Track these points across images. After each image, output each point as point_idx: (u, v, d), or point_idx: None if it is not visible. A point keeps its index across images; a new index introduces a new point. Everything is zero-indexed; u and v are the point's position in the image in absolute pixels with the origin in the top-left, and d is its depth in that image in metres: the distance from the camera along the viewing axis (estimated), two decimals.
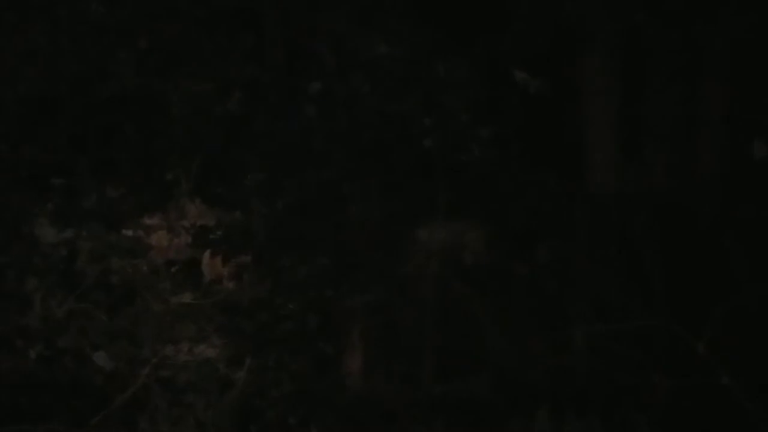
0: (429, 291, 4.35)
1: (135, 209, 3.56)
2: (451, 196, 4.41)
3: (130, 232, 3.49)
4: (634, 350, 3.96)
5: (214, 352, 3.53)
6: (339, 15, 4.28)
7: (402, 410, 4.22)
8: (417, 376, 4.31)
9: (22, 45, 3.73)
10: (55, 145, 3.68)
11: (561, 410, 4.02)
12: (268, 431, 3.70)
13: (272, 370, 3.77)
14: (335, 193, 4.25)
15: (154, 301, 3.51)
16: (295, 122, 4.14)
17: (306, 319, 3.97)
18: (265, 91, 4.19)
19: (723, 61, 4.45)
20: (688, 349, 3.88)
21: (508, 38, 4.49)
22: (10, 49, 3.70)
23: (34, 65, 3.72)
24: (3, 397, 3.46)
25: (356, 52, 4.31)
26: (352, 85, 4.28)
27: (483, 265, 4.36)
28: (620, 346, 3.99)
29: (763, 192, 4.34)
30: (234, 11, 4.21)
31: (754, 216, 4.30)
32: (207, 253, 3.56)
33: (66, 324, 3.41)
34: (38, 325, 3.38)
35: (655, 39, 4.49)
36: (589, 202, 4.45)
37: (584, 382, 4.08)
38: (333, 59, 4.27)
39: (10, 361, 3.40)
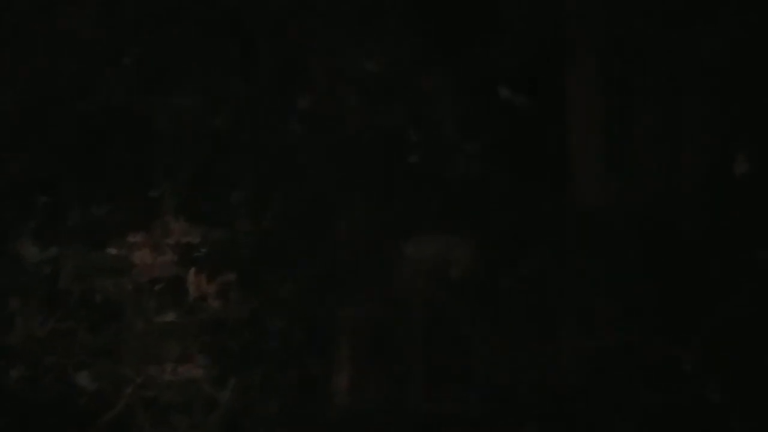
0: (417, 305, 4.34)
1: (119, 227, 3.53)
2: (439, 210, 4.41)
3: (114, 251, 3.46)
4: (620, 365, 3.97)
5: (199, 372, 3.50)
6: (327, 30, 4.29)
7: (390, 427, 4.20)
8: (405, 392, 4.30)
9: (5, 62, 3.70)
10: (39, 162, 3.65)
11: (550, 425, 4.01)
12: None
13: (258, 388, 3.74)
14: (321, 208, 4.24)
15: (138, 319, 3.47)
16: (282, 138, 4.14)
17: (292, 336, 3.95)
18: (252, 106, 4.18)
19: (706, 75, 4.48)
20: (675, 363, 3.88)
21: (494, 52, 4.51)
22: None
23: (16, 82, 3.69)
24: None
25: (344, 68, 4.31)
26: (339, 100, 4.29)
27: (471, 278, 4.36)
28: (607, 360, 3.99)
29: (747, 205, 4.37)
30: (221, 26, 4.20)
31: (737, 229, 4.33)
32: (192, 271, 3.54)
33: (49, 343, 3.37)
34: (20, 344, 3.34)
35: (639, 53, 4.53)
36: (575, 215, 4.46)
37: (573, 396, 4.08)
38: (321, 74, 4.27)
39: None
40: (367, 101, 4.31)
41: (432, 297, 4.34)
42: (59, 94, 3.78)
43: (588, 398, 4.02)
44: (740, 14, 4.32)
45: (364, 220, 4.30)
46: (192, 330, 3.52)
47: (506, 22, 4.54)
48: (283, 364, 3.93)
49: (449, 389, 4.25)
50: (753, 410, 3.80)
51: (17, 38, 3.73)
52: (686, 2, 4.37)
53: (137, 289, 3.48)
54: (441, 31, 4.50)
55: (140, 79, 3.92)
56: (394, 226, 4.34)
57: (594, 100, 4.52)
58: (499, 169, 4.43)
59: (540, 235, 4.37)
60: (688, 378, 3.86)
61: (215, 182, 4.01)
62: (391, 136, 4.39)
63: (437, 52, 4.42)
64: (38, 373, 3.40)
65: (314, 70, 4.27)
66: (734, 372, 3.91)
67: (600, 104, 4.52)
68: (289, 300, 3.93)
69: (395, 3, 4.46)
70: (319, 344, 4.13)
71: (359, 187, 4.25)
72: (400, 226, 4.36)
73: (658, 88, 4.46)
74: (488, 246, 4.34)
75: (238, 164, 4.07)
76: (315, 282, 4.10)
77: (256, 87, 4.19)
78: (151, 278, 3.50)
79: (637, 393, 3.91)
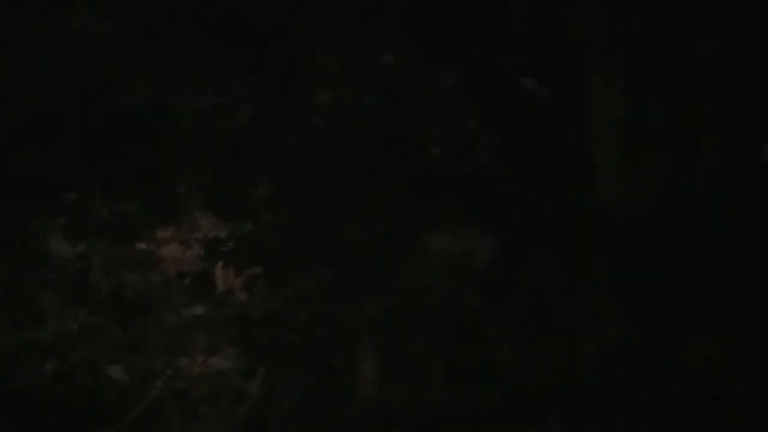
0: (438, 300, 4.36)
1: (147, 222, 3.58)
2: (458, 204, 4.43)
3: (142, 245, 3.50)
4: (636, 360, 3.97)
5: (228, 364, 3.54)
6: (343, 27, 4.32)
7: (411, 420, 4.22)
8: (427, 386, 4.32)
9: (31, 60, 3.75)
10: (66, 160, 3.70)
11: (573, 418, 4.02)
12: None
13: (283, 381, 3.77)
14: (342, 204, 4.27)
15: (167, 313, 3.51)
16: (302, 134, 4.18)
17: (315, 331, 3.98)
18: (272, 103, 4.22)
19: (723, 66, 4.49)
20: (697, 357, 3.88)
21: (511, 46, 4.53)
22: (18, 65, 3.73)
23: (43, 81, 3.75)
24: (18, 412, 3.46)
25: (361, 64, 4.34)
26: (358, 96, 4.32)
27: (491, 272, 4.37)
28: (623, 355, 4.00)
29: (764, 199, 4.36)
30: (240, 24, 4.24)
31: (755, 223, 4.33)
32: (219, 265, 3.58)
33: (79, 338, 3.42)
34: (52, 339, 3.38)
35: (656, 47, 4.53)
36: (595, 208, 4.47)
37: (593, 390, 4.09)
38: (339, 71, 4.30)
39: (25, 376, 3.40)
40: (385, 97, 4.34)
41: (453, 291, 4.36)
42: (85, 93, 3.83)
43: (606, 394, 4.03)
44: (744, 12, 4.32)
45: (384, 214, 4.33)
46: (220, 323, 3.56)
47: (522, 16, 4.55)
48: (307, 357, 3.97)
49: (470, 384, 4.27)
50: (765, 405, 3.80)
51: (42, 38, 3.79)
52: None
53: (166, 283, 3.52)
54: (457, 26, 4.52)
55: (163, 78, 3.97)
56: (414, 220, 4.37)
57: (614, 96, 4.53)
58: (519, 163, 4.45)
59: (559, 230, 4.38)
60: (705, 373, 3.86)
61: (240, 177, 4.05)
62: (410, 131, 4.41)
63: (454, 46, 4.45)
64: (70, 368, 3.44)
65: (332, 67, 4.31)
66: (748, 367, 3.91)
67: (620, 100, 4.53)
68: (313, 294, 3.97)
69: (409, 1, 4.49)
70: (342, 338, 4.17)
71: (380, 181, 4.28)
72: (421, 220, 4.38)
73: (676, 84, 4.47)
74: (509, 240, 4.36)
75: (260, 160, 4.11)
76: (337, 276, 4.13)
77: (274, 84, 4.23)
78: (179, 272, 3.54)
79: (654, 388, 3.91)
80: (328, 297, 4.04)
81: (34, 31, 3.76)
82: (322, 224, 4.21)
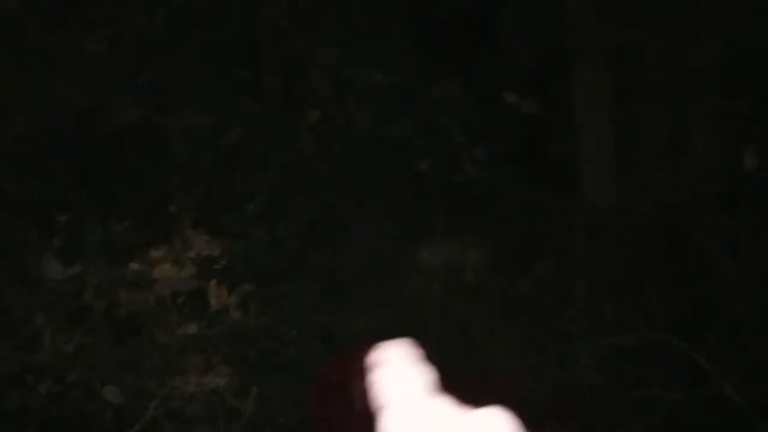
0: (431, 311, 4.38)
1: (140, 242, 3.59)
2: (450, 216, 4.46)
3: (135, 266, 3.52)
4: (635, 364, 3.98)
5: (222, 382, 3.55)
6: (334, 44, 4.36)
7: None
8: None
9: (24, 83, 3.78)
10: (59, 183, 3.72)
11: (567, 427, 4.04)
12: None
13: (278, 397, 3.78)
14: (334, 219, 4.29)
15: (161, 332, 3.53)
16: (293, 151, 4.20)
17: (309, 345, 3.99)
18: (264, 121, 4.25)
19: (712, 72, 4.52)
20: (689, 361, 3.90)
21: (500, 60, 4.57)
22: (11, 87, 3.75)
23: (37, 103, 3.77)
24: None
25: (352, 80, 4.38)
26: (349, 112, 4.35)
27: (484, 283, 4.39)
28: (621, 360, 4.01)
29: (756, 204, 4.40)
30: (231, 45, 4.27)
31: (746, 228, 4.35)
32: (212, 283, 3.59)
33: (74, 359, 3.43)
34: (47, 360, 3.39)
35: (644, 55, 4.57)
36: (586, 217, 4.50)
37: (589, 397, 4.10)
38: (329, 88, 4.33)
39: (21, 397, 3.41)
40: (376, 112, 4.37)
41: (447, 302, 4.38)
42: (78, 114, 3.85)
43: (604, 398, 4.04)
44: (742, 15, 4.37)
45: (377, 228, 4.36)
46: (213, 341, 3.58)
47: (511, 30, 4.59)
48: (302, 373, 3.98)
49: (465, 396, 4.28)
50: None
51: (35, 62, 3.81)
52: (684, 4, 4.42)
53: (159, 302, 3.53)
54: (448, 42, 4.56)
55: (154, 99, 3.99)
56: (407, 233, 4.39)
57: (601, 104, 4.57)
58: (509, 174, 4.48)
59: (551, 238, 4.40)
60: (703, 375, 3.87)
61: (231, 196, 4.07)
62: (401, 145, 4.44)
63: (445, 61, 4.48)
64: (65, 389, 3.45)
65: (322, 84, 4.34)
66: (750, 369, 3.92)
67: (607, 108, 4.57)
68: (306, 309, 3.98)
69: (401, 17, 4.52)
70: (335, 353, 4.17)
71: (372, 195, 4.30)
72: (414, 233, 4.40)
73: (664, 90, 4.51)
74: (501, 250, 4.38)
75: (252, 178, 4.13)
76: (330, 291, 4.15)
77: (265, 103, 4.26)
78: (172, 291, 3.55)
79: (651, 391, 3.93)
80: (321, 313, 4.06)
81: (30, 53, 3.79)
82: (314, 240, 4.23)
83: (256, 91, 4.26)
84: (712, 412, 3.86)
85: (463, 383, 4.42)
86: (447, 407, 0.57)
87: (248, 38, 4.29)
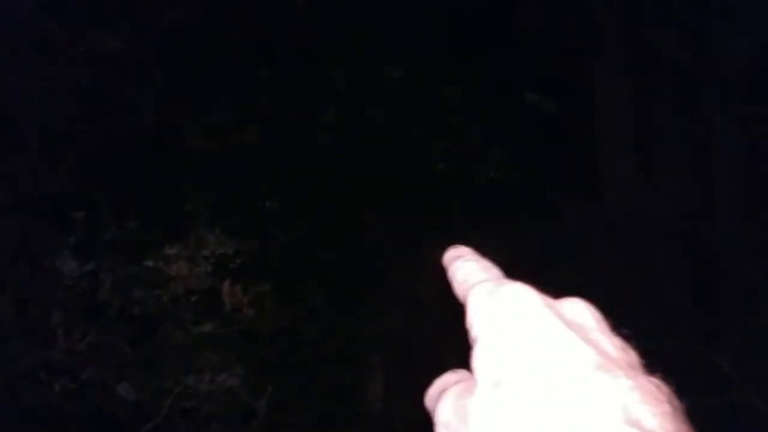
0: (447, 314, 4.34)
1: (155, 240, 3.58)
2: (467, 217, 4.42)
3: (150, 263, 3.51)
4: (655, 371, 3.92)
5: (236, 381, 3.53)
6: (352, 43, 4.34)
7: None
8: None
9: (42, 81, 3.79)
10: (75, 179, 3.72)
11: None
12: None
13: (293, 398, 3.76)
14: (351, 219, 4.27)
15: (176, 331, 3.52)
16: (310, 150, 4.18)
17: (325, 346, 3.97)
18: (281, 120, 4.23)
19: (735, 74, 4.46)
20: (713, 368, 3.84)
21: (519, 59, 4.53)
22: (29, 84, 3.76)
23: (53, 100, 3.77)
24: (28, 430, 3.47)
25: (369, 79, 4.35)
26: (366, 111, 4.32)
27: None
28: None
29: None
30: (248, 42, 4.27)
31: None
32: (227, 282, 3.58)
33: (89, 356, 3.42)
34: (62, 358, 3.39)
35: (665, 56, 4.51)
36: (605, 221, 4.44)
37: None
38: (347, 86, 4.31)
39: (35, 394, 3.41)
40: (394, 111, 4.34)
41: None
42: (95, 111, 3.86)
43: None
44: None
45: (394, 228, 4.33)
46: (228, 340, 3.56)
47: (532, 28, 4.55)
48: (317, 374, 3.95)
49: None
50: None
51: (51, 58, 3.82)
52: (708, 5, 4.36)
53: (174, 300, 3.52)
54: (466, 40, 4.53)
55: (172, 97, 3.99)
56: (423, 234, 4.36)
57: (622, 105, 4.52)
58: (527, 176, 4.43)
59: (569, 241, 4.35)
60: (726, 383, 3.81)
61: (247, 194, 4.06)
62: (418, 145, 4.41)
63: (462, 60, 4.45)
64: (79, 386, 3.44)
65: (340, 83, 4.32)
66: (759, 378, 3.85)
67: (628, 110, 4.51)
68: (322, 309, 3.96)
69: (419, 16, 4.50)
70: (351, 353, 4.15)
71: (389, 195, 4.27)
72: (430, 234, 4.37)
73: (685, 92, 4.45)
74: (518, 252, 4.34)
75: (268, 177, 4.12)
76: (346, 291, 4.12)
77: (283, 101, 4.24)
78: (187, 290, 3.54)
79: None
80: (336, 313, 4.03)
81: (47, 49, 3.80)
82: (330, 240, 4.21)
83: (273, 90, 4.25)
84: (735, 420, 3.79)
85: None
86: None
87: (265, 36, 4.28)
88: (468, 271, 0.53)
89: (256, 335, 3.65)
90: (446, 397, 0.51)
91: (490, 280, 0.51)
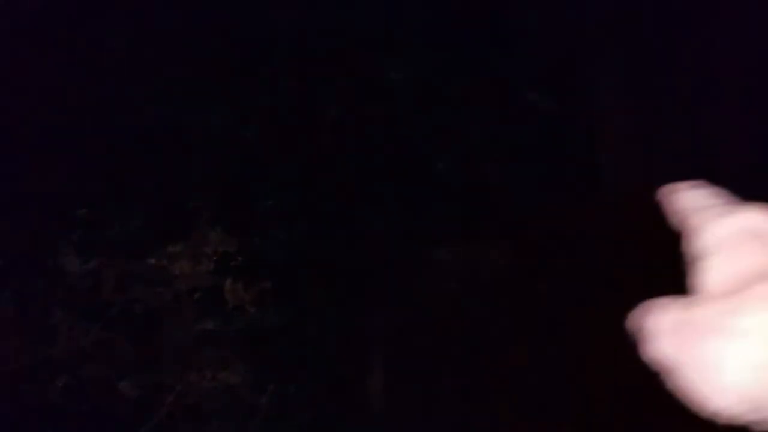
0: (448, 312, 4.35)
1: (158, 238, 3.59)
2: (467, 216, 4.43)
3: (153, 261, 3.52)
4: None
5: (238, 379, 3.55)
6: (352, 41, 4.35)
7: None
8: (438, 399, 4.31)
9: (43, 79, 3.79)
10: (78, 177, 3.73)
11: (586, 430, 3.99)
12: None
13: (294, 395, 3.77)
14: (352, 217, 4.28)
15: (178, 328, 3.53)
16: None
17: (326, 343, 3.98)
18: (282, 118, 4.24)
19: (736, 75, 4.47)
20: None
21: (519, 59, 4.54)
22: (30, 82, 3.77)
23: (55, 96, 3.78)
24: (28, 428, 3.47)
25: (370, 78, 4.36)
26: (367, 110, 4.33)
27: (501, 283, 4.36)
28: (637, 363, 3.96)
29: None
30: (249, 41, 4.27)
31: None
32: (229, 280, 3.59)
33: (91, 354, 3.43)
34: (63, 355, 3.40)
35: (665, 55, 4.52)
36: (606, 220, 4.45)
37: (609, 400, 4.06)
38: (347, 85, 4.32)
39: (36, 392, 3.41)
40: (392, 111, 4.35)
41: (462, 303, 4.35)
42: (97, 108, 3.86)
43: (619, 404, 4.00)
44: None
45: (395, 226, 4.34)
46: (230, 338, 3.57)
47: (530, 27, 4.56)
48: (318, 371, 3.96)
49: (482, 395, 4.25)
50: None
51: (53, 54, 3.82)
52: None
53: (176, 298, 3.53)
54: (465, 39, 4.54)
55: (173, 95, 4.00)
56: (425, 231, 4.37)
57: (622, 102, 4.52)
58: (527, 173, 4.44)
59: (570, 239, 4.36)
60: None
61: (248, 192, 4.07)
62: (418, 144, 4.42)
63: (462, 59, 4.45)
64: (81, 384, 3.45)
65: (340, 82, 4.33)
66: None
67: (628, 107, 4.52)
68: (323, 307, 3.97)
69: (419, 14, 4.51)
70: (352, 351, 4.16)
71: (390, 193, 4.29)
72: (431, 232, 4.38)
73: (686, 92, 4.46)
74: (518, 251, 4.35)
75: (269, 175, 4.13)
76: (347, 289, 4.14)
77: (283, 100, 4.26)
78: (189, 287, 3.55)
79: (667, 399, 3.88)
80: (337, 311, 4.04)
81: (50, 48, 3.80)
82: (331, 239, 4.22)
83: (274, 89, 4.26)
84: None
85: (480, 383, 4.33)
86: None
87: (265, 34, 4.29)
88: (695, 197, 0.50)
89: (257, 333, 3.66)
90: (666, 312, 0.47)
91: (723, 205, 0.47)
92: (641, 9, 4.44)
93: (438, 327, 4.27)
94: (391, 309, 4.19)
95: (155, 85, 3.91)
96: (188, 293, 3.53)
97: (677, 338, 0.44)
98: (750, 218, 0.47)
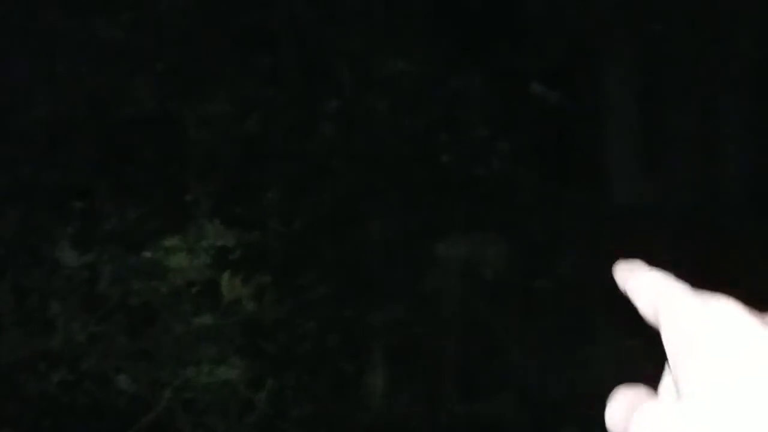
0: (450, 307, 4.31)
1: (155, 231, 3.56)
2: (471, 210, 4.38)
3: (149, 254, 3.49)
4: (660, 365, 3.89)
5: (235, 374, 3.52)
6: (355, 33, 4.29)
7: (424, 428, 4.17)
8: (439, 395, 4.27)
9: (42, 69, 3.76)
10: (75, 169, 3.70)
11: (587, 428, 3.95)
12: None
13: (292, 390, 3.74)
14: (352, 211, 4.24)
15: (175, 322, 3.50)
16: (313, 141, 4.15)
17: (325, 339, 3.95)
18: (283, 110, 4.20)
19: (742, 70, 4.41)
20: None
21: (525, 51, 4.48)
22: (29, 72, 3.74)
23: (53, 89, 3.75)
24: (26, 421, 3.46)
25: (373, 70, 4.31)
26: (370, 102, 4.28)
27: (504, 280, 4.32)
28: (645, 360, 3.92)
29: None
30: (250, 32, 4.23)
31: None
32: (226, 274, 3.55)
33: (88, 347, 3.41)
34: (61, 348, 3.38)
35: (673, 49, 4.46)
36: (611, 215, 4.40)
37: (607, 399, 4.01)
38: (350, 77, 4.27)
39: (34, 385, 3.40)
40: (397, 102, 4.30)
41: (466, 298, 4.31)
42: (95, 100, 3.83)
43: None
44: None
45: (396, 221, 4.30)
46: (227, 332, 3.54)
47: (538, 21, 4.50)
48: (317, 366, 3.93)
49: (484, 392, 4.21)
50: None
51: (51, 46, 3.79)
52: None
53: (173, 292, 3.50)
54: (472, 32, 4.48)
55: (172, 86, 3.96)
56: (426, 227, 4.32)
57: (629, 98, 4.47)
58: (532, 168, 4.39)
59: (574, 235, 4.31)
60: None
61: (248, 185, 4.03)
62: (422, 136, 4.37)
63: (468, 52, 4.40)
64: (78, 377, 3.43)
65: (343, 73, 4.28)
66: None
67: (635, 102, 4.47)
68: (323, 302, 3.93)
69: (424, 6, 4.45)
70: (352, 346, 4.13)
71: (392, 188, 4.24)
72: (433, 227, 4.34)
73: (693, 85, 4.40)
74: (521, 246, 4.31)
75: (269, 168, 4.09)
76: (347, 284, 4.10)
77: (284, 92, 4.21)
78: (186, 281, 3.52)
79: None
80: (337, 306, 4.00)
81: (47, 38, 3.77)
82: (331, 232, 4.18)
83: (275, 80, 4.21)
84: None
85: (481, 379, 4.29)
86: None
87: (267, 25, 4.24)
88: (657, 280, 0.46)
89: (255, 327, 3.62)
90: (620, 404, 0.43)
91: (688, 291, 0.44)
92: (647, 3, 4.37)
93: (439, 323, 4.23)
94: (391, 304, 4.15)
95: (154, 76, 3.88)
96: (185, 287, 3.49)
97: None
98: (726, 311, 0.43)
